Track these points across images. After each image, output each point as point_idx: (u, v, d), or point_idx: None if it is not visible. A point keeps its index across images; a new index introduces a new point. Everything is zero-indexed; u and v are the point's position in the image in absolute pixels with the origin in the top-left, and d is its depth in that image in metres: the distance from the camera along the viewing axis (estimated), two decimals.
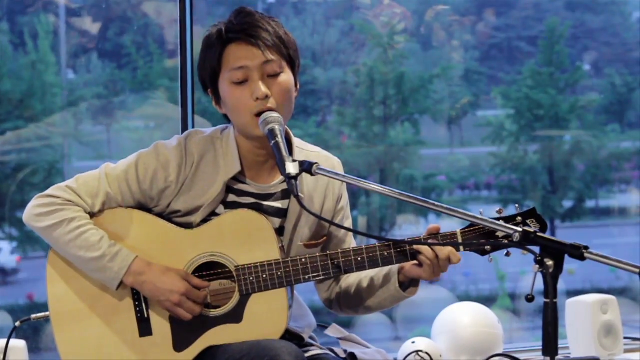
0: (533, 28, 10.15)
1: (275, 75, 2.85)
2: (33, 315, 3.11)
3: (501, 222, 2.53)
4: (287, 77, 2.87)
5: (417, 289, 2.94)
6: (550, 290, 2.24)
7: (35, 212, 2.86)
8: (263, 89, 2.81)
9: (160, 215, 2.92)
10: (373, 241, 2.91)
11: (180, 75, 4.23)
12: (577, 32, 10.16)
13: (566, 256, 2.28)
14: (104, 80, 8.56)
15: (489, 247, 2.84)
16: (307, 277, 2.86)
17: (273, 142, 2.74)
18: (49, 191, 2.89)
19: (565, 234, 9.96)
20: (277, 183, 2.95)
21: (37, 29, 8.12)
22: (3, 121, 7.90)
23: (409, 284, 2.93)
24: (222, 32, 2.86)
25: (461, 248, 2.84)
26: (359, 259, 2.86)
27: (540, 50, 9.88)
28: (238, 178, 2.92)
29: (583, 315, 3.82)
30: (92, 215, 2.88)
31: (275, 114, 2.80)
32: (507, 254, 2.85)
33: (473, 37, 10.14)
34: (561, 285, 2.28)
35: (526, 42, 10.27)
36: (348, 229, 2.94)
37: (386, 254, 2.85)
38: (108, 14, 8.35)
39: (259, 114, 2.82)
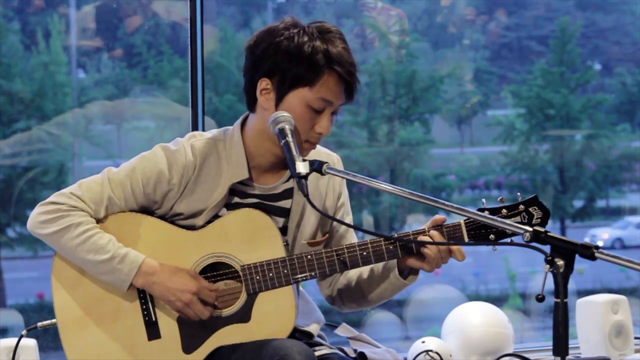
0: (544, 27, 10.14)
1: (335, 113, 2.88)
2: (39, 323, 3.10)
3: (511, 222, 2.52)
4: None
5: (417, 277, 2.95)
6: (560, 290, 2.24)
7: (40, 219, 2.84)
8: (327, 128, 2.84)
9: (163, 217, 2.91)
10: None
11: (191, 75, 4.20)
12: (587, 31, 10.14)
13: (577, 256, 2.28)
14: (114, 80, 8.57)
15: (492, 236, 2.84)
16: (313, 273, 2.86)
17: (283, 141, 2.74)
18: (52, 198, 2.87)
19: (575, 233, 9.94)
20: (280, 183, 2.95)
21: (49, 29, 8.13)
22: (14, 121, 7.91)
23: (408, 272, 2.93)
24: (330, 56, 2.80)
25: (466, 240, 2.84)
26: (365, 253, 2.86)
27: (551, 50, 9.86)
28: (242, 181, 2.91)
29: (593, 315, 3.80)
30: (97, 220, 2.87)
31: (285, 114, 2.80)
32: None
33: (483, 37, 10.13)
34: (571, 285, 2.27)
35: (537, 41, 10.26)
36: (355, 227, 2.95)
37: (391, 247, 2.85)
38: (118, 13, 8.36)
39: (306, 141, 2.84)
